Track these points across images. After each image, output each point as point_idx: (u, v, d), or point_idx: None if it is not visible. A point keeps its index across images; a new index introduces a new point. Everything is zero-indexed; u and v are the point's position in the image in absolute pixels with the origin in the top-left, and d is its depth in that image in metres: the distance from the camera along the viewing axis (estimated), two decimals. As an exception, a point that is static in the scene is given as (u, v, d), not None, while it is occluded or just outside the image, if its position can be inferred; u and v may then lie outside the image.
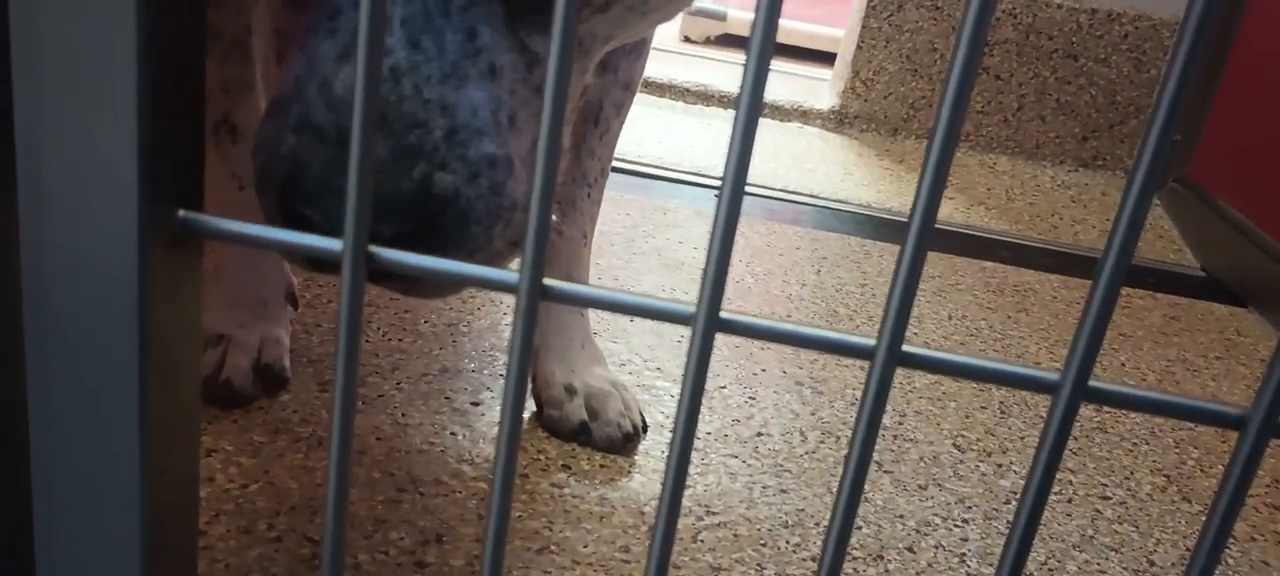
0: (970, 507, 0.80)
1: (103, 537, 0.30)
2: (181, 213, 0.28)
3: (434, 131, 0.41)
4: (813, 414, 0.90)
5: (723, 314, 0.26)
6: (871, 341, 0.26)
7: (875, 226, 1.53)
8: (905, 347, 0.26)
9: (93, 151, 0.26)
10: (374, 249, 0.27)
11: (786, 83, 2.31)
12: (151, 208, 0.27)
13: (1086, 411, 0.98)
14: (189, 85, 0.28)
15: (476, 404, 0.82)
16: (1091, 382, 0.26)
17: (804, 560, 0.70)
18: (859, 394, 0.92)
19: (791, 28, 2.79)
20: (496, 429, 0.79)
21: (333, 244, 0.27)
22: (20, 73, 0.26)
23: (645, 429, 0.81)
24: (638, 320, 1.02)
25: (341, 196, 0.40)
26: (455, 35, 0.41)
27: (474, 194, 0.42)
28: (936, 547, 0.74)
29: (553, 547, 0.66)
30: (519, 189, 0.44)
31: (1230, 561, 0.79)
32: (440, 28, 0.41)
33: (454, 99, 0.41)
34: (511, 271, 0.27)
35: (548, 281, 0.26)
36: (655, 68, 2.10)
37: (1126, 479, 0.88)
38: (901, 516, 0.77)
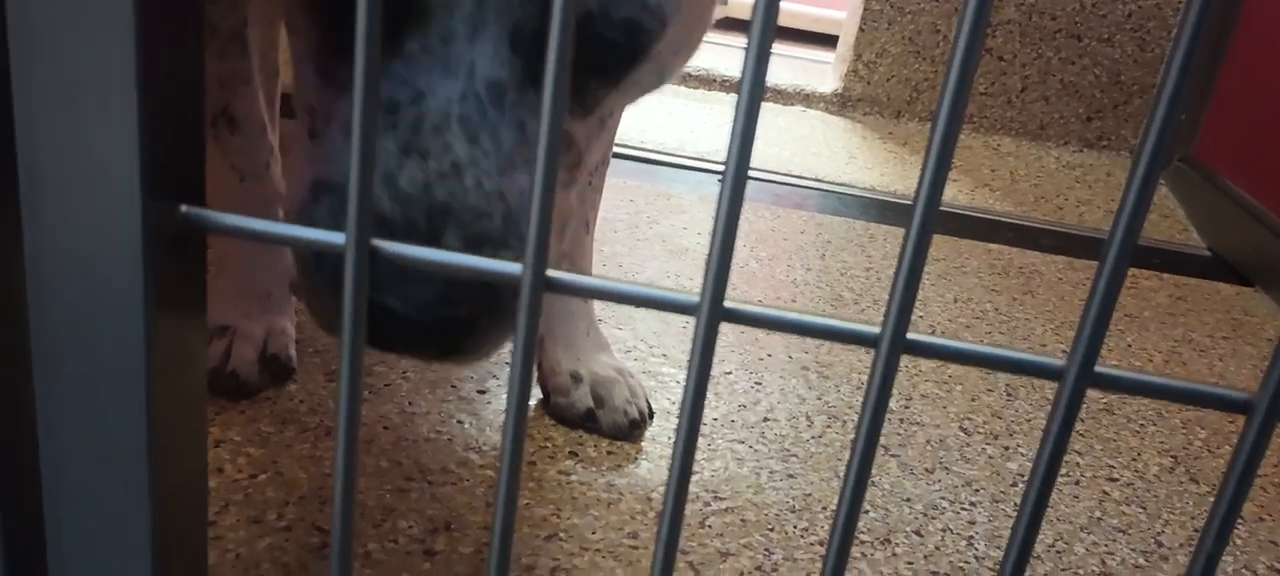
0: (977, 490, 0.80)
1: (113, 530, 0.30)
2: (184, 208, 0.28)
3: (495, 218, 0.45)
4: (819, 398, 0.90)
5: (727, 303, 0.26)
6: (876, 330, 0.26)
7: (879, 210, 1.52)
8: (910, 335, 0.26)
9: (93, 149, 0.26)
10: (377, 243, 0.27)
11: (789, 66, 2.30)
12: (153, 204, 0.27)
13: (1093, 392, 0.98)
14: (187, 81, 0.28)
15: (483, 392, 0.82)
16: (1097, 368, 0.26)
17: (811, 544, 0.70)
18: (865, 378, 0.92)
19: (793, 11, 2.78)
20: (503, 417, 0.79)
21: (335, 237, 0.27)
22: (20, 72, 0.26)
23: (651, 415, 0.81)
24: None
25: (414, 281, 0.43)
26: (508, 131, 0.45)
27: None
28: (944, 530, 0.74)
29: (561, 534, 0.67)
30: (557, 252, 0.49)
31: (1238, 541, 0.79)
32: (495, 123, 0.45)
33: (508, 187, 0.45)
34: (515, 263, 0.27)
35: (551, 273, 0.26)
36: (657, 53, 2.09)
37: (1134, 460, 0.88)
38: (909, 500, 0.77)
